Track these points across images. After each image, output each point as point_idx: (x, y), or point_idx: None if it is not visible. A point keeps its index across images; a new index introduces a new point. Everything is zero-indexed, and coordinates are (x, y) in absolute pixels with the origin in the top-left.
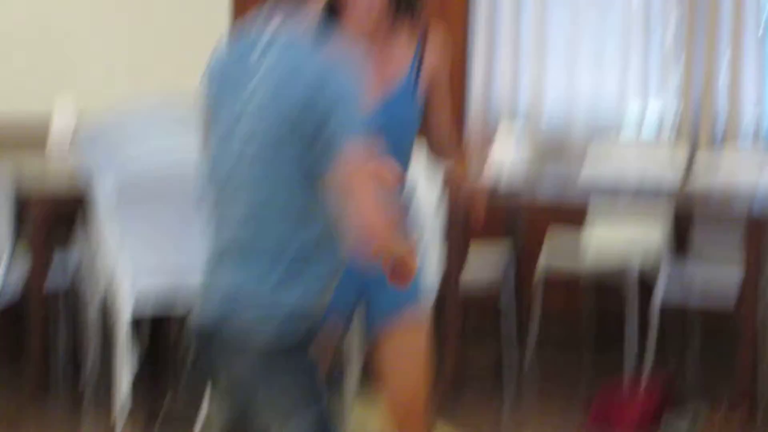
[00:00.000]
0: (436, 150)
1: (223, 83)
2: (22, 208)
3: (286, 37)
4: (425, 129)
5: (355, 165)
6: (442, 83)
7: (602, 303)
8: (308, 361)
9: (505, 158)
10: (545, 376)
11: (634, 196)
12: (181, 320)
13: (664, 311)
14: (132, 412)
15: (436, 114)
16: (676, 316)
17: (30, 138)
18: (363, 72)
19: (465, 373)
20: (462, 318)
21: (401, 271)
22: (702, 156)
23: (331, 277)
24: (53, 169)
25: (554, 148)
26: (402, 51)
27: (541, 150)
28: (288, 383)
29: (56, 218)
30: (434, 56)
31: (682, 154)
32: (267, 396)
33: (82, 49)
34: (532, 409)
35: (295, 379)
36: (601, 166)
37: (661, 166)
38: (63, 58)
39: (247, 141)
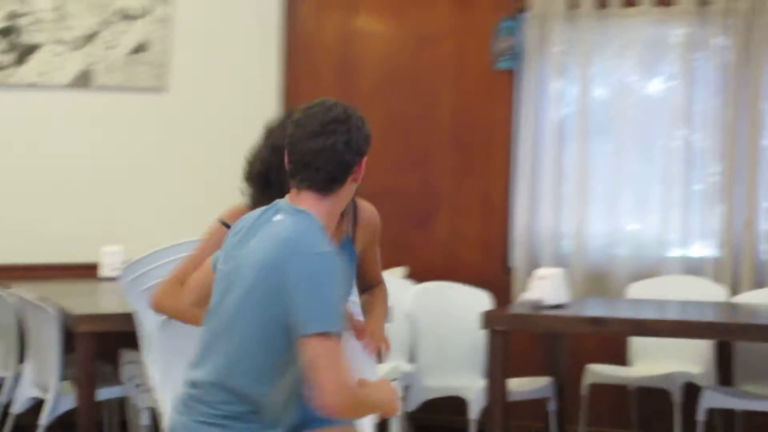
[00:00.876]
0: (364, 290)
1: (233, 246)
2: (70, 335)
3: (290, 219)
4: (360, 276)
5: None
6: (373, 245)
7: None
8: None
9: (547, 298)
10: None
11: (675, 331)
12: None
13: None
14: None
15: (370, 264)
16: None
17: (79, 285)
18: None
19: None
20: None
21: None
22: (743, 297)
23: None
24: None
25: (596, 288)
26: (343, 224)
27: (583, 290)
28: None
29: (104, 342)
30: (363, 227)
31: (722, 295)
32: None
33: (128, 202)
34: None
35: None
36: (641, 306)
37: (701, 305)
38: (110, 210)
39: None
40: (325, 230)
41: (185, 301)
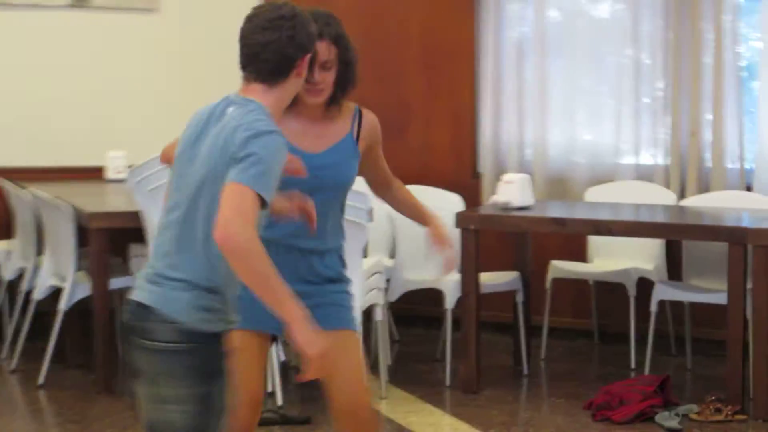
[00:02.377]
0: (381, 189)
1: (190, 144)
2: (84, 230)
3: (236, 109)
4: (370, 176)
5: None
6: (378, 145)
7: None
8: None
9: (513, 201)
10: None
11: (629, 231)
12: None
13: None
14: None
15: (377, 164)
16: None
17: (88, 186)
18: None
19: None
20: (478, 325)
21: None
22: (689, 201)
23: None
24: (112, 202)
25: (556, 191)
26: (339, 125)
27: (545, 194)
28: None
29: (114, 237)
30: (368, 127)
31: (671, 199)
32: None
33: (129, 111)
34: (546, 402)
35: None
36: (598, 208)
37: (652, 207)
38: (113, 119)
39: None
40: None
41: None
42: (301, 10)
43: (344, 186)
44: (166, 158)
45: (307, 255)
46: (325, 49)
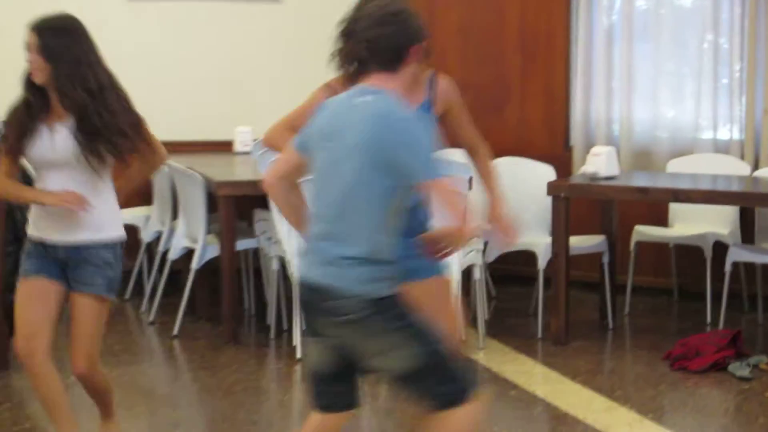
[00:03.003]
0: (469, 154)
1: (328, 128)
2: (213, 197)
3: (373, 98)
4: (457, 139)
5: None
6: (456, 107)
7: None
8: None
9: (601, 171)
10: (638, 323)
11: (706, 199)
12: None
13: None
14: (306, 340)
15: (461, 127)
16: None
17: (217, 158)
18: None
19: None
20: (567, 283)
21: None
22: (762, 172)
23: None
24: (238, 172)
25: (640, 163)
26: (416, 94)
27: (630, 165)
28: None
29: (241, 203)
30: (442, 90)
31: (746, 170)
32: None
33: (255, 91)
34: (629, 353)
35: None
36: (679, 178)
37: (728, 178)
38: (241, 97)
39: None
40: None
41: (286, 140)
42: (405, 5)
43: None
44: (271, 143)
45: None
46: None
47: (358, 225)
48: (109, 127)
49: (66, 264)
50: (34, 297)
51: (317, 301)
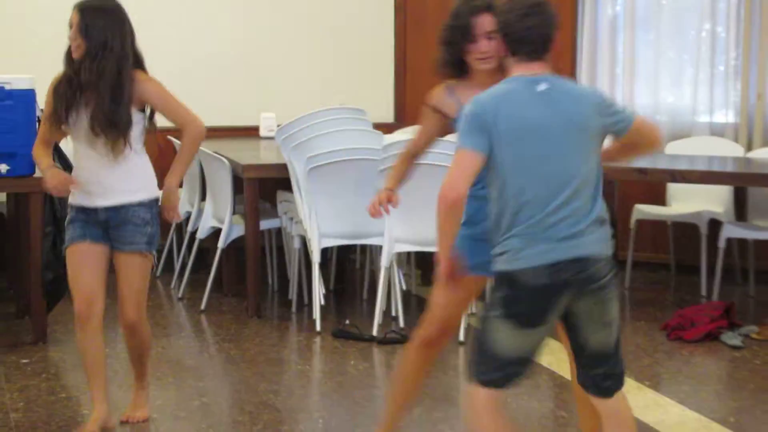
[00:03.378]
0: None
1: (516, 119)
2: (239, 180)
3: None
4: None
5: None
6: None
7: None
8: None
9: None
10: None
11: (702, 179)
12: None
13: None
14: (325, 314)
15: None
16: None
17: (243, 143)
18: None
19: None
20: None
21: None
22: (755, 154)
23: None
24: (263, 156)
25: None
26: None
27: None
28: None
29: (264, 185)
30: None
31: (739, 152)
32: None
33: (279, 79)
34: (629, 323)
35: None
36: (677, 159)
37: (723, 159)
38: (265, 84)
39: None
40: None
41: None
42: None
43: None
44: (411, 155)
45: None
46: (490, 21)
47: (590, 196)
48: (102, 112)
49: (107, 225)
50: (84, 261)
51: (571, 276)
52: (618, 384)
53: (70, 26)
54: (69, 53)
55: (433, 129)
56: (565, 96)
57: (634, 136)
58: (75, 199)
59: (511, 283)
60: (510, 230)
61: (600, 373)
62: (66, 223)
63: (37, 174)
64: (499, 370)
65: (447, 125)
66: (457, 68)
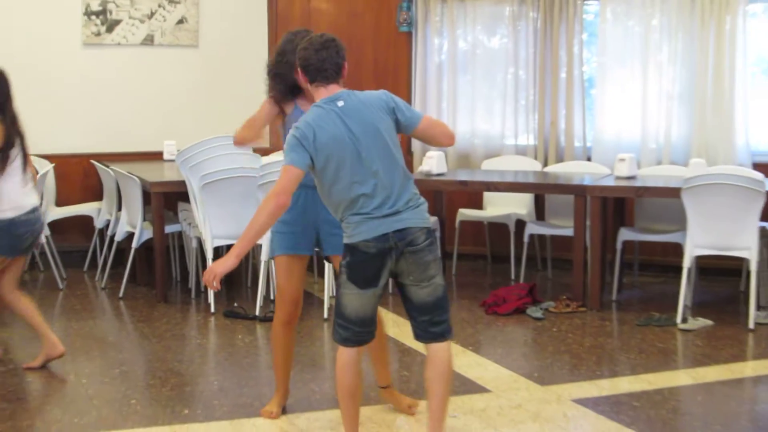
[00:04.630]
0: None
1: (331, 130)
2: (147, 194)
3: (352, 99)
4: None
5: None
6: None
7: (496, 236)
8: None
9: (433, 169)
10: (462, 280)
11: (510, 188)
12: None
13: (532, 242)
14: (218, 298)
15: None
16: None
17: (149, 164)
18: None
19: None
20: None
21: None
22: (549, 168)
23: None
24: (166, 174)
25: (462, 163)
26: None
27: (454, 165)
28: None
29: (168, 198)
30: None
31: (538, 167)
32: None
33: (178, 114)
34: (456, 302)
35: None
36: (490, 173)
37: (526, 172)
38: (168, 118)
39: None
40: None
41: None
42: (333, 35)
43: None
44: (240, 141)
45: None
46: None
47: (400, 182)
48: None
49: None
50: None
51: (398, 241)
52: (444, 331)
53: None
54: None
55: (268, 117)
56: (359, 105)
57: (427, 131)
58: None
59: (353, 252)
60: (346, 215)
61: (426, 320)
62: None
63: None
64: (349, 330)
65: (281, 118)
66: (289, 93)
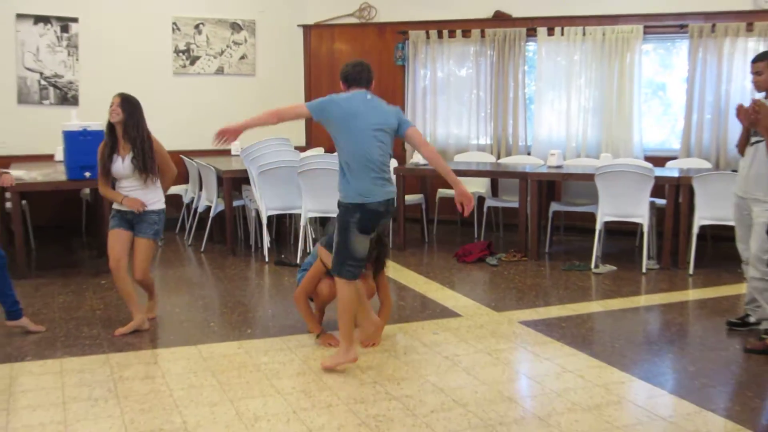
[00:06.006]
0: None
1: (352, 110)
2: (220, 178)
3: (377, 98)
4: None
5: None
6: None
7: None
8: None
9: (420, 161)
10: (441, 239)
11: (475, 174)
12: (290, 218)
13: (489, 212)
14: (270, 252)
15: None
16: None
17: (221, 158)
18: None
19: (407, 240)
20: (404, 219)
21: None
22: (502, 161)
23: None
24: (234, 164)
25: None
26: None
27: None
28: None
29: (234, 181)
30: None
31: (493, 159)
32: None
33: (241, 119)
34: (436, 254)
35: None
36: (459, 164)
37: (485, 163)
38: (233, 122)
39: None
40: None
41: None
42: (366, 63)
43: None
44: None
45: None
46: None
47: (387, 166)
48: (146, 158)
49: (132, 222)
50: (117, 239)
51: (386, 207)
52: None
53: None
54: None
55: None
56: (380, 103)
57: (411, 139)
58: (118, 207)
59: (362, 210)
60: (362, 180)
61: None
62: (111, 218)
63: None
64: (358, 267)
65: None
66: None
